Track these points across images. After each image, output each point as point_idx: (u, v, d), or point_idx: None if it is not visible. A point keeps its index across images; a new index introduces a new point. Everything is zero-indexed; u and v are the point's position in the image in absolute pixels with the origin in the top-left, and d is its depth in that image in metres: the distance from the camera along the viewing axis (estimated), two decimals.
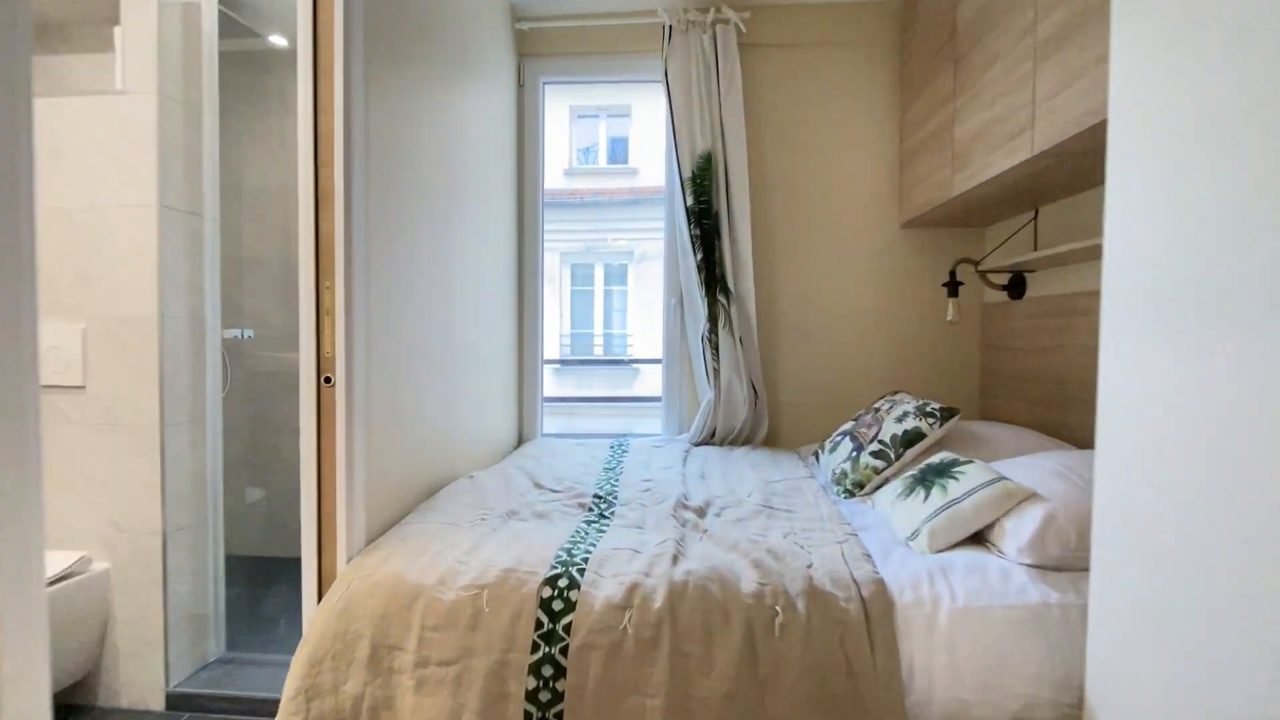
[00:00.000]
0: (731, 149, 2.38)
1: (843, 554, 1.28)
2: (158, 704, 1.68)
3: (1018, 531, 1.22)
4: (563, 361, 7.47)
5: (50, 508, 1.68)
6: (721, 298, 2.38)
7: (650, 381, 6.78)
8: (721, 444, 2.44)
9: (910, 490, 1.46)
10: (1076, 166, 1.53)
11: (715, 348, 2.39)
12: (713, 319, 2.39)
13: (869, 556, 1.27)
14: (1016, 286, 2.15)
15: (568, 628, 1.11)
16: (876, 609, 1.12)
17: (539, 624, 1.11)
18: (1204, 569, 0.76)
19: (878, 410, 1.96)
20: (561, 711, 1.07)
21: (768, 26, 2.50)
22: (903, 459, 1.72)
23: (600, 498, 1.70)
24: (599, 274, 7.85)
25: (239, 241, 2.59)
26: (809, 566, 1.22)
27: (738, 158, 2.39)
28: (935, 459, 1.54)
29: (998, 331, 2.33)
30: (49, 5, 1.73)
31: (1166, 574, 0.82)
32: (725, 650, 1.08)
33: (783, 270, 2.55)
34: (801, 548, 1.32)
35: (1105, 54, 1.22)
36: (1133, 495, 0.88)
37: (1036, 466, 1.39)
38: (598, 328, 7.94)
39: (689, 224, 2.39)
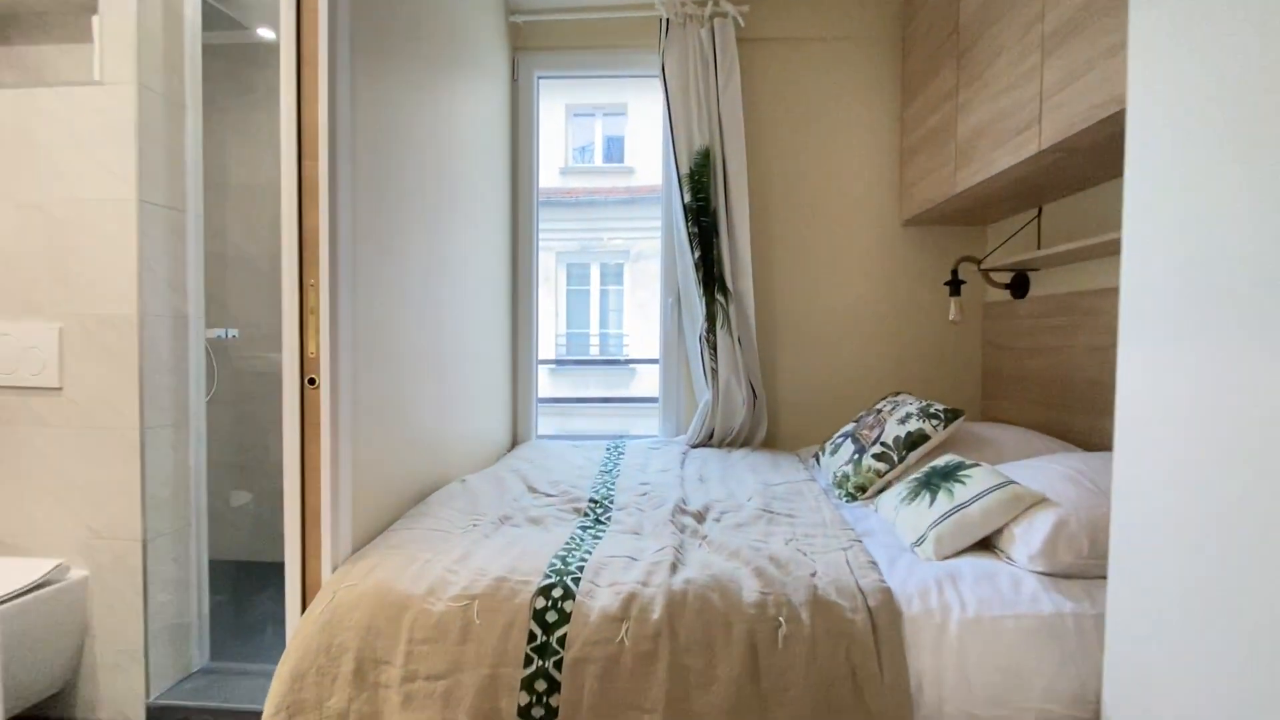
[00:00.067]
0: (730, 145, 2.34)
1: (847, 561, 1.24)
2: (138, 717, 1.62)
3: (1028, 538, 1.18)
4: (558, 361, 7.42)
5: (25, 513, 1.63)
6: (719, 296, 2.34)
7: (647, 382, 6.73)
8: (720, 446, 2.39)
9: (915, 494, 1.42)
10: (1084, 162, 1.50)
11: (713, 347, 2.35)
12: (710, 318, 2.34)
13: (874, 564, 1.23)
14: (1019, 285, 2.12)
15: (562, 640, 1.06)
16: (883, 619, 1.08)
17: (532, 636, 1.07)
18: (1233, 578, 0.72)
19: (879, 411, 1.92)
20: None
21: (767, 20, 2.46)
22: (906, 461, 1.68)
23: (596, 502, 1.65)
24: (595, 273, 7.79)
25: (226, 239, 2.53)
26: (813, 575, 1.18)
27: (736, 154, 2.34)
28: (940, 461, 1.50)
29: (1000, 331, 2.29)
30: None
31: (1191, 583, 0.78)
32: (727, 663, 1.04)
33: (782, 268, 2.51)
34: (805, 555, 1.28)
35: (1116, 45, 1.19)
36: (1154, 500, 0.84)
37: (1045, 470, 1.35)
38: (593, 327, 7.88)
39: (686, 221, 2.34)
